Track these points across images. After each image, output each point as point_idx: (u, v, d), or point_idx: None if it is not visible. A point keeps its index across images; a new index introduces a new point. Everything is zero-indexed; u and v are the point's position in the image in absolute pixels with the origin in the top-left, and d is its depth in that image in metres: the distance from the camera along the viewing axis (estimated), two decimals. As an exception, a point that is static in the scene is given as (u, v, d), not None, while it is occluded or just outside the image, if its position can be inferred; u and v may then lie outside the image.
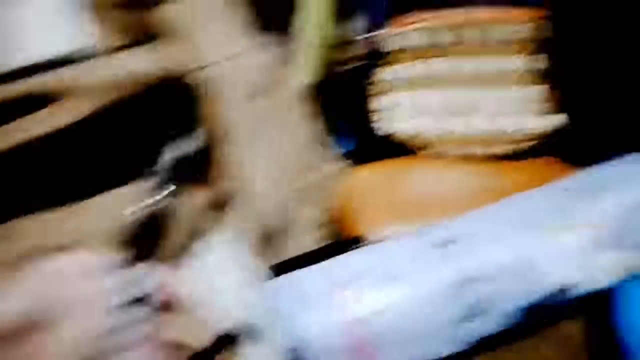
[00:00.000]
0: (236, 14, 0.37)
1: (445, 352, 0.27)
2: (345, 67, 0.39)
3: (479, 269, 0.27)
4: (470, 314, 0.27)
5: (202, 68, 0.35)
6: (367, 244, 0.32)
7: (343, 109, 0.42)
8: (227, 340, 0.32)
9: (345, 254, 0.30)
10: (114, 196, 0.33)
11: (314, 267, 0.29)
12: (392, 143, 0.39)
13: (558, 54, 0.38)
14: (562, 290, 0.29)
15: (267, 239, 0.35)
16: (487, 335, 0.28)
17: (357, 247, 0.32)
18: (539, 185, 0.34)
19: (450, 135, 0.39)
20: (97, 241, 0.31)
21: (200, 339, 0.31)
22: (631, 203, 0.30)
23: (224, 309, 0.33)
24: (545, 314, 0.30)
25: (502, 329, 0.28)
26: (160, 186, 0.34)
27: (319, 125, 0.40)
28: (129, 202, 0.32)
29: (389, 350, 0.26)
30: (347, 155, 0.43)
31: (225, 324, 0.32)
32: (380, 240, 0.32)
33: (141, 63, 0.33)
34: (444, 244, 0.29)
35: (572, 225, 0.29)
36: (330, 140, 0.42)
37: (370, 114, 0.39)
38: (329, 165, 0.40)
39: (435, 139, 0.39)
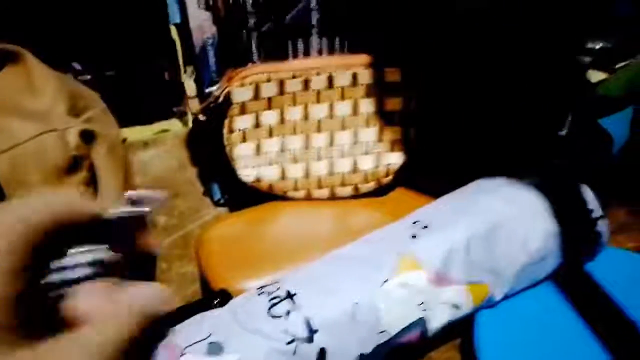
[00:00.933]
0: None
1: None
2: (201, 119, 0.41)
3: (316, 323, 0.28)
4: None
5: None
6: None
7: (208, 158, 0.43)
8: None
9: (194, 317, 0.30)
10: None
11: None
12: (251, 189, 0.41)
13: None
14: (403, 332, 0.30)
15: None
16: None
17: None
18: (390, 220, 0.35)
19: (296, 179, 0.40)
20: None
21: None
22: (477, 233, 0.31)
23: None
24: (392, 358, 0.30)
25: None
26: None
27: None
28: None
29: None
30: (219, 203, 0.45)
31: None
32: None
33: None
34: (285, 301, 0.29)
35: (414, 264, 0.30)
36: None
37: (229, 163, 0.40)
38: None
39: (280, 183, 0.39)
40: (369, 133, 0.41)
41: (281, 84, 0.39)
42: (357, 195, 0.41)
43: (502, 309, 0.33)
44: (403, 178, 0.42)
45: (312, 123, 0.40)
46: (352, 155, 0.41)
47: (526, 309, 0.33)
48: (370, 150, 0.41)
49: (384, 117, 0.40)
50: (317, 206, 0.42)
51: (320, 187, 0.41)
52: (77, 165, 0.34)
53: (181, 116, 0.54)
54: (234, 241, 0.39)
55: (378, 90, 0.40)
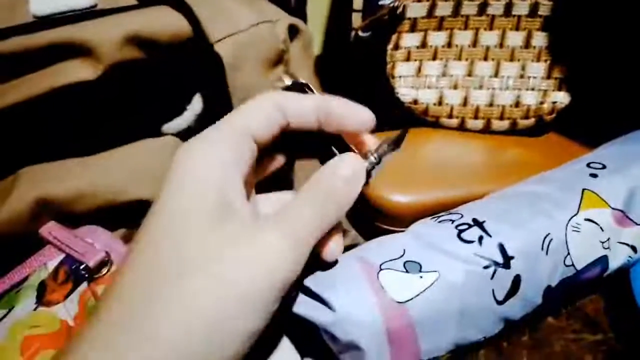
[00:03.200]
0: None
1: (482, 335, 0.28)
2: (361, 34, 0.39)
3: (511, 251, 0.28)
4: (504, 298, 0.27)
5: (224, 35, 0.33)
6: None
7: (358, 77, 0.42)
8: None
9: (376, 239, 0.30)
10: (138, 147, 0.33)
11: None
12: (403, 111, 0.40)
13: (566, 31, 0.38)
14: (587, 268, 0.30)
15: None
16: (521, 316, 0.28)
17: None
18: (542, 162, 0.34)
19: (452, 106, 0.38)
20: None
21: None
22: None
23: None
24: (571, 292, 0.31)
25: (533, 309, 0.29)
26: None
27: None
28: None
29: (426, 335, 0.27)
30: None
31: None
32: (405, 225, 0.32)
33: (160, 21, 0.32)
34: (474, 227, 0.29)
35: (598, 201, 0.30)
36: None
37: (384, 82, 0.39)
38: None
39: (436, 108, 0.38)
40: (538, 68, 0.39)
41: (457, 4, 0.37)
42: (512, 131, 0.40)
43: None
44: (562, 120, 0.40)
45: (479, 50, 0.39)
46: (517, 89, 0.40)
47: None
48: (537, 85, 0.39)
49: (557, 53, 0.38)
50: (466, 137, 0.41)
51: (476, 117, 0.40)
52: (280, 59, 0.33)
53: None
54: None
55: (557, 25, 0.37)
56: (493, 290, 0.28)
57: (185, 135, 0.36)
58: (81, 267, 0.29)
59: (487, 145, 0.40)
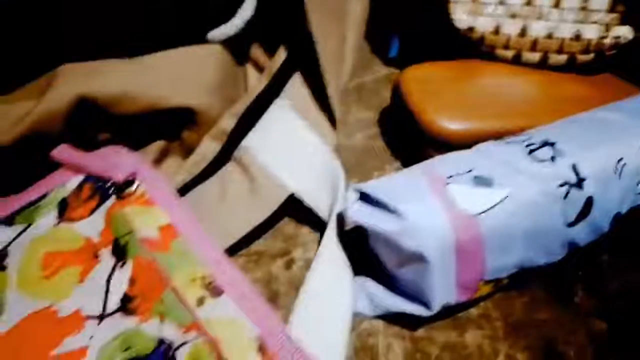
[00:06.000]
0: None
1: (546, 260, 0.27)
2: None
3: (584, 172, 0.27)
4: (574, 219, 0.26)
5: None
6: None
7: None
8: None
9: (438, 157, 0.29)
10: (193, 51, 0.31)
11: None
12: (458, 39, 0.38)
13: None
14: None
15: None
16: (586, 242, 0.27)
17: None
18: (598, 99, 0.33)
19: (509, 36, 0.36)
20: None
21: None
22: None
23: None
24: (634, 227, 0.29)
25: (599, 236, 0.27)
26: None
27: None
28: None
29: (494, 252, 0.26)
30: (391, 61, 0.44)
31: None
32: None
33: None
34: (545, 147, 0.28)
35: None
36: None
37: (441, 7, 0.37)
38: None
39: (492, 37, 0.36)
40: (601, 0, 0.37)
41: None
42: (570, 66, 0.39)
43: None
44: (613, 60, 0.39)
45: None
46: (578, 22, 0.38)
47: None
48: (599, 19, 0.37)
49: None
50: (521, 71, 0.39)
51: (533, 50, 0.38)
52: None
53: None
54: (438, 84, 0.37)
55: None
56: (565, 211, 0.27)
57: (230, 43, 0.34)
58: (107, 183, 0.28)
59: (542, 80, 0.38)
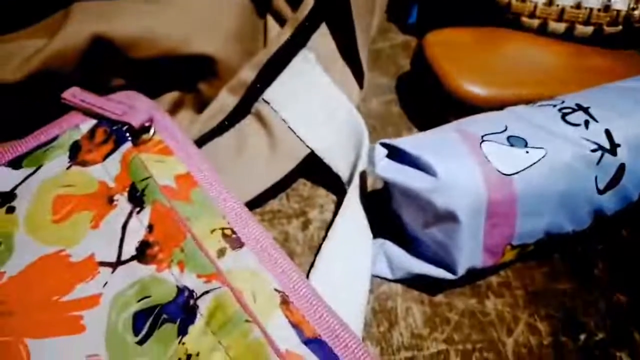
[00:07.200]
0: None
1: (572, 227, 0.27)
2: None
3: (617, 138, 0.26)
4: (605, 186, 0.25)
5: None
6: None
7: None
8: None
9: (470, 117, 0.28)
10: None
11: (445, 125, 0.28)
12: (483, 5, 0.38)
13: None
14: None
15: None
16: (613, 212, 0.26)
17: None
18: (622, 74, 0.33)
19: (537, 4, 0.36)
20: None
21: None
22: None
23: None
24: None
25: (626, 206, 0.27)
26: None
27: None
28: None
29: (526, 215, 0.25)
30: (408, 29, 0.44)
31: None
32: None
33: None
34: (579, 112, 0.27)
35: None
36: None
37: None
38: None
39: (518, 4, 0.35)
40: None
41: None
42: (597, 38, 0.38)
43: None
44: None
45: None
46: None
47: None
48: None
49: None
50: (546, 42, 0.38)
51: (559, 19, 0.37)
52: None
53: None
54: (462, 49, 0.36)
55: None
56: (596, 177, 0.26)
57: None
58: (124, 127, 0.26)
59: (566, 51, 0.37)
